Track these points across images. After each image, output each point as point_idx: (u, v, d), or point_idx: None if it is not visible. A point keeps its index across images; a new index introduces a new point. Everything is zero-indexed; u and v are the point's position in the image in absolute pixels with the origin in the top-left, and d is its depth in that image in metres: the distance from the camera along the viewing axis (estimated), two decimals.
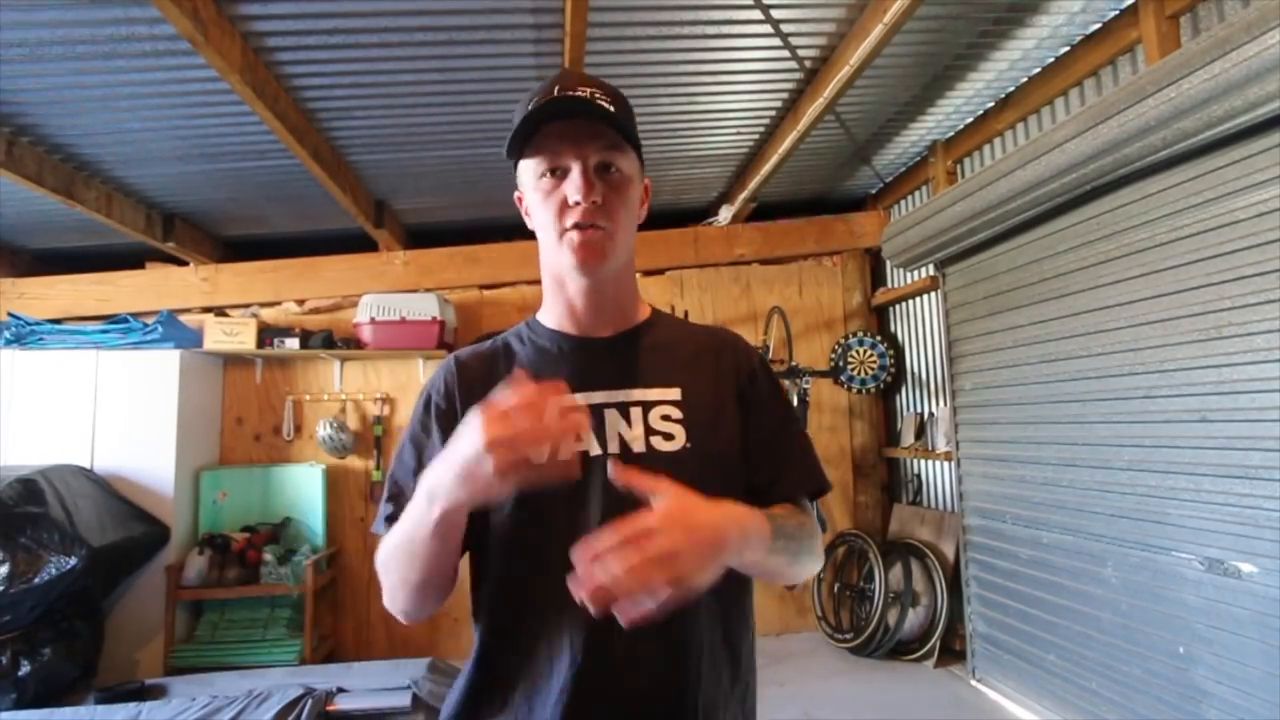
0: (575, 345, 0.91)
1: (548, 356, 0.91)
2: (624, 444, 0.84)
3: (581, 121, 0.83)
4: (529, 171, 0.87)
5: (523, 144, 0.85)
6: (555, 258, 0.87)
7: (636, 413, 0.86)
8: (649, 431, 0.86)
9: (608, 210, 0.84)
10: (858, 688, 3.27)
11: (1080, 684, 2.62)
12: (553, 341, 0.92)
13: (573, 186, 0.82)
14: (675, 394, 0.88)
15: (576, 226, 0.84)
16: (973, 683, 3.23)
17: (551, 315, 0.94)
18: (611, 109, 0.84)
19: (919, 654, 3.51)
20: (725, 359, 0.95)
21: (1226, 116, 1.88)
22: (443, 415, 0.89)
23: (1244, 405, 2.02)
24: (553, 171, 0.84)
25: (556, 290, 0.92)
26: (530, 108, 0.84)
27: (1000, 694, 3.07)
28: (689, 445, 0.86)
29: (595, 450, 0.84)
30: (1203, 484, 2.15)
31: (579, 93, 0.83)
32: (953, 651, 3.50)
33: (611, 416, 0.86)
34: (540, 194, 0.86)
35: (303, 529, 3.81)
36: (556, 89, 0.84)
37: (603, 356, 0.91)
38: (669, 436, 0.86)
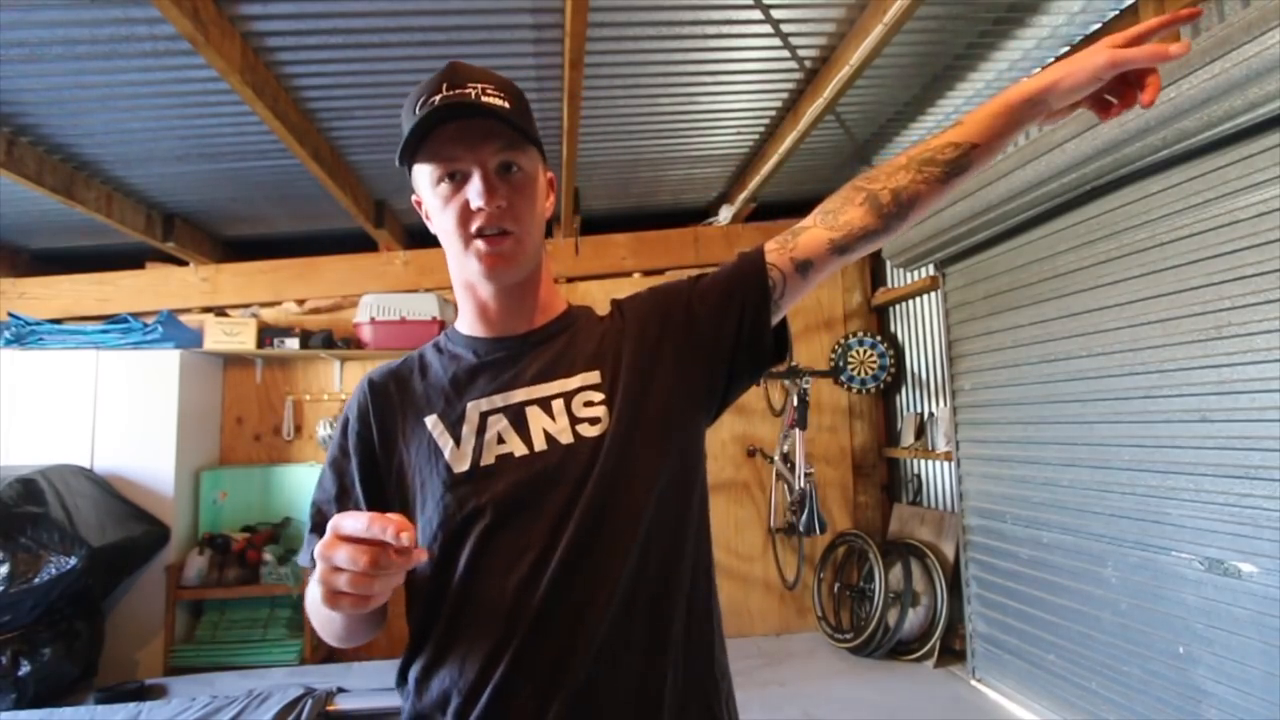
0: (490, 347, 0.88)
1: (463, 364, 0.88)
2: (549, 438, 0.81)
3: (476, 121, 0.78)
4: (424, 178, 0.82)
5: (415, 149, 0.79)
6: (463, 265, 0.83)
7: (559, 404, 0.83)
8: (574, 420, 0.82)
9: (514, 213, 0.81)
10: (858, 688, 3.27)
11: (1080, 684, 2.62)
12: (468, 348, 0.89)
13: (474, 192, 0.78)
14: (595, 377, 0.85)
15: (481, 234, 0.80)
16: (973, 683, 3.23)
17: (466, 321, 0.90)
18: (505, 104, 0.79)
19: (919, 654, 3.51)
20: (628, 320, 0.91)
21: (1226, 116, 1.89)
22: (359, 438, 0.87)
23: (1244, 405, 2.02)
24: (450, 176, 0.80)
25: (468, 295, 0.88)
26: (418, 112, 0.78)
27: (1000, 694, 3.07)
28: (614, 423, 0.82)
29: (521, 450, 0.81)
30: (1203, 484, 2.15)
31: (468, 89, 0.78)
32: (953, 651, 3.50)
33: (533, 413, 0.83)
34: (439, 200, 0.81)
35: (303, 529, 3.80)
36: (445, 86, 0.79)
37: (519, 354, 0.87)
38: (595, 421, 0.82)
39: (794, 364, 3.84)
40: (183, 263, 4.08)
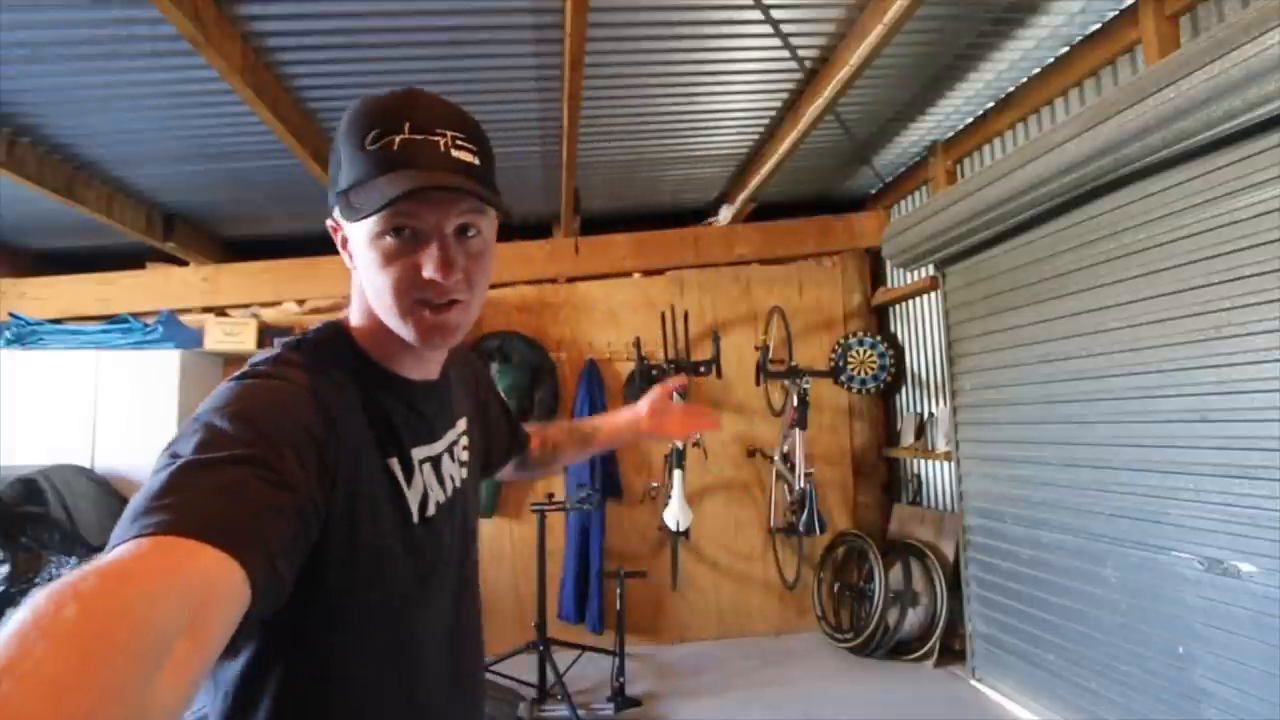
0: (417, 395, 0.80)
1: (398, 407, 0.76)
2: (452, 483, 0.84)
3: (442, 175, 0.67)
4: (361, 225, 0.68)
5: (360, 197, 0.66)
6: (392, 320, 0.72)
7: (456, 449, 0.87)
8: (459, 464, 0.87)
9: (468, 281, 0.71)
10: (858, 688, 3.27)
11: (1080, 684, 2.62)
12: (399, 391, 0.78)
13: (431, 262, 0.67)
14: (464, 423, 0.92)
15: (427, 303, 0.70)
16: (973, 682, 3.23)
17: (385, 353, 0.77)
18: (476, 160, 0.70)
19: (919, 654, 3.51)
20: (468, 374, 1.00)
21: (1226, 117, 1.89)
22: (322, 446, 0.64)
23: (1244, 405, 2.02)
24: (397, 231, 0.67)
25: (389, 335, 0.74)
26: (370, 147, 0.67)
27: (1000, 694, 3.07)
28: (471, 463, 0.92)
29: (441, 497, 0.80)
30: (1203, 484, 2.15)
31: (436, 137, 0.67)
32: (953, 651, 3.50)
33: (444, 460, 0.83)
34: (379, 254, 0.68)
35: None
36: (407, 126, 0.67)
37: (436, 401, 0.83)
38: (464, 464, 0.89)
39: (794, 364, 3.85)
40: (183, 263, 4.08)
